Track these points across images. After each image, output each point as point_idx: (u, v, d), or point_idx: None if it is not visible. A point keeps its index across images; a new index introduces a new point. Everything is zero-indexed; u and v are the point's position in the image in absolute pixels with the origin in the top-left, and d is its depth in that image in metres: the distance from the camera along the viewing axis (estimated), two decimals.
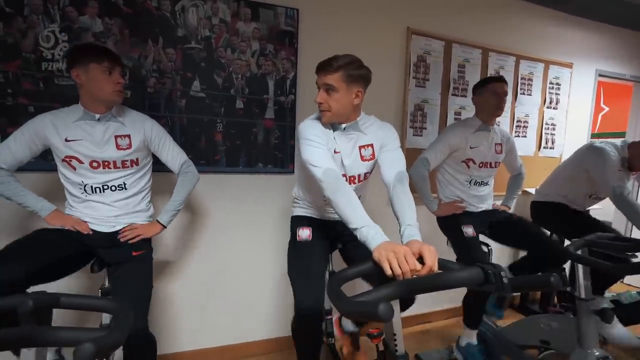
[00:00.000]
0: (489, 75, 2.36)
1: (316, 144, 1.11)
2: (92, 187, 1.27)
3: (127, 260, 1.28)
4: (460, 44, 2.27)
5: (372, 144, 1.25)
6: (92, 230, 1.28)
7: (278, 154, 1.87)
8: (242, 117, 1.79)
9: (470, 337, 1.76)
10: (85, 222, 1.28)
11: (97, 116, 1.25)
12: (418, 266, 0.80)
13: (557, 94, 2.67)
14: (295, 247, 1.29)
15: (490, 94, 1.67)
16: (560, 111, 2.71)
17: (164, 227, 1.39)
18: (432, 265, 0.81)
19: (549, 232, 2.02)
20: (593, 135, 2.97)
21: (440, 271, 0.83)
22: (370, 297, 0.65)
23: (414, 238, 0.92)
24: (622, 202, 1.61)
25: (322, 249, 1.30)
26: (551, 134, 2.70)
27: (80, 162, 1.24)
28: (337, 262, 1.46)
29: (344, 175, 1.23)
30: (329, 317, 1.47)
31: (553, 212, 1.98)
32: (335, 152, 1.20)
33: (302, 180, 1.36)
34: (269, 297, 1.97)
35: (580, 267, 1.21)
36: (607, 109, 4.32)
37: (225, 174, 1.80)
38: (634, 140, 1.82)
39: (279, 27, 1.81)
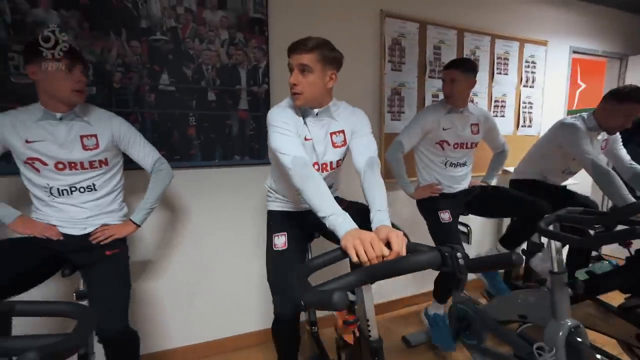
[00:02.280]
0: (464, 56, 2.35)
1: (285, 131, 1.09)
2: (58, 189, 1.22)
3: (101, 260, 1.25)
4: (435, 25, 2.25)
5: (343, 130, 1.23)
6: (62, 234, 1.24)
7: (254, 145, 1.84)
8: (215, 110, 1.74)
9: (438, 310, 1.89)
10: (54, 226, 1.24)
11: (59, 115, 1.20)
12: (385, 252, 0.80)
13: (532, 72, 2.69)
14: (271, 255, 1.26)
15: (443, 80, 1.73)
16: (537, 89, 2.74)
17: (138, 226, 1.36)
18: (399, 250, 0.81)
19: None
20: (569, 112, 3.01)
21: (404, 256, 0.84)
22: (332, 286, 0.65)
23: (383, 224, 0.92)
24: (599, 174, 1.61)
25: (299, 250, 1.29)
26: (529, 112, 2.73)
27: (44, 163, 1.19)
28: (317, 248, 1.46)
29: (316, 162, 1.22)
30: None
31: (531, 189, 2.02)
32: (306, 139, 1.18)
33: (274, 170, 1.34)
34: (254, 289, 1.96)
35: (552, 242, 1.25)
36: (583, 85, 4.38)
37: (202, 169, 1.77)
38: (596, 108, 1.79)
39: (248, 15, 1.75)
